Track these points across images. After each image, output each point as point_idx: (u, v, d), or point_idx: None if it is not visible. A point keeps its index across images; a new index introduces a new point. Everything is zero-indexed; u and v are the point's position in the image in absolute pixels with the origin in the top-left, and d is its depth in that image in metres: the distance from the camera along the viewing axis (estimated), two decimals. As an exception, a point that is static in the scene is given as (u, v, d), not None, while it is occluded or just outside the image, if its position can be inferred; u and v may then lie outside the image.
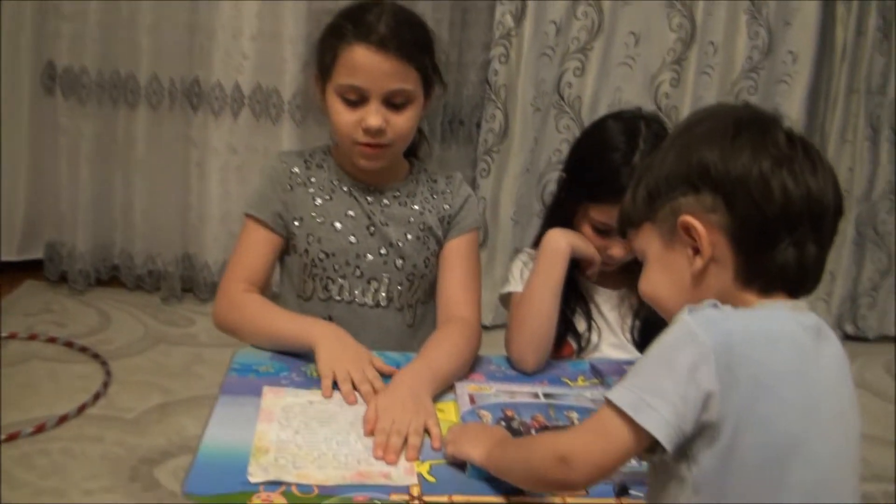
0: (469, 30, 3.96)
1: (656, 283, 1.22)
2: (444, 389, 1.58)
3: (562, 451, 1.08)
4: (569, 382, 1.68)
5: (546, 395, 1.58)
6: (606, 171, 1.70)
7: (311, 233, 1.80)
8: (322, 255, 1.80)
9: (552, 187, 3.98)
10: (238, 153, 3.93)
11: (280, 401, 1.48)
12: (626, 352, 1.84)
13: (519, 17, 3.87)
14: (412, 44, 1.72)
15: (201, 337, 3.66)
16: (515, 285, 1.84)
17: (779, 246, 1.11)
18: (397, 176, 1.89)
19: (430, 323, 1.89)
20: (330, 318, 1.80)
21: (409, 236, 1.83)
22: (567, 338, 1.83)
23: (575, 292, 1.84)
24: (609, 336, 1.86)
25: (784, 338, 1.08)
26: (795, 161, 1.11)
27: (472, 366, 1.70)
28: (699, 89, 4.10)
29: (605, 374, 1.68)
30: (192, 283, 4.07)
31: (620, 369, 1.69)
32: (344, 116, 1.73)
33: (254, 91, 3.87)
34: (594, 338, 1.84)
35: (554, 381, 1.68)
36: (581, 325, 1.85)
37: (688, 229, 1.13)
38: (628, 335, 1.86)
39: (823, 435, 1.07)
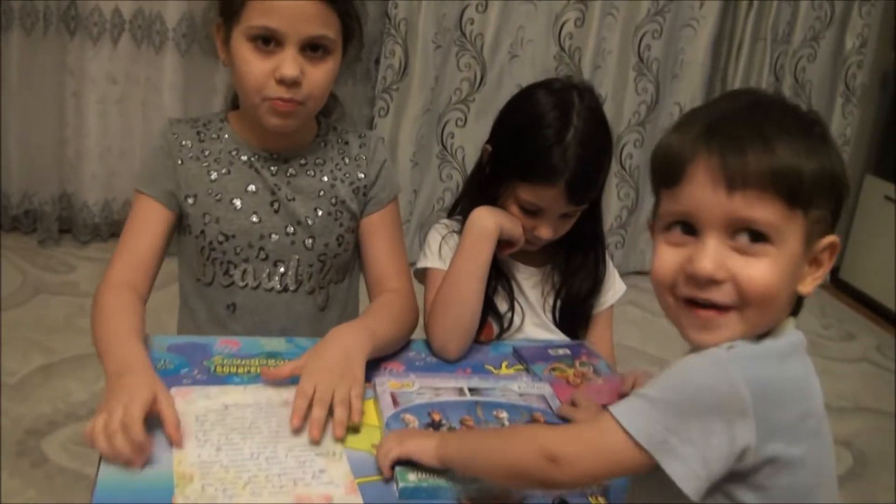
0: (369, -39, 3.79)
1: (784, 283, 1.01)
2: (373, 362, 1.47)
3: (552, 450, 1.03)
4: (492, 370, 1.60)
5: (472, 391, 1.47)
6: (538, 151, 1.60)
7: (208, 212, 1.61)
8: (221, 238, 1.62)
9: (452, 128, 3.90)
10: (118, 83, 3.71)
11: (192, 407, 1.32)
12: (548, 331, 1.76)
13: (419, -51, 3.72)
14: None
15: (83, 286, 3.47)
16: (434, 260, 1.73)
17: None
18: (304, 138, 1.69)
19: (342, 304, 1.76)
20: (233, 306, 1.66)
21: (320, 212, 1.66)
22: (488, 319, 1.73)
23: (496, 271, 1.73)
24: (530, 315, 1.77)
25: (802, 381, 1.03)
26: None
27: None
28: (603, 30, 4.05)
29: (528, 361, 1.61)
30: (70, 224, 3.87)
31: (545, 355, 1.64)
32: (254, 66, 1.51)
33: (135, 16, 3.65)
34: (516, 319, 1.75)
35: (478, 369, 1.59)
36: (503, 306, 1.75)
37: (823, 250, 1.03)
38: (549, 315, 1.78)
39: (830, 459, 1.07)
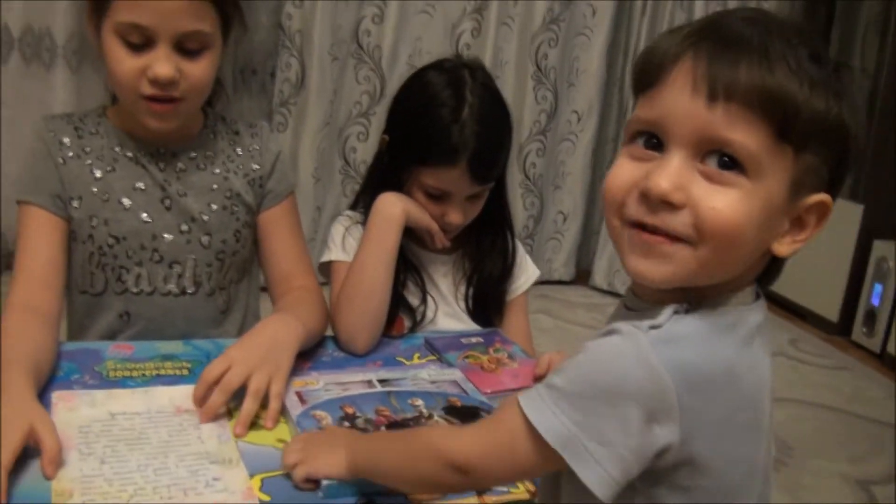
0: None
1: (754, 224, 0.86)
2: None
3: (458, 461, 0.94)
4: (404, 361, 1.56)
5: (382, 382, 1.42)
6: (436, 131, 1.56)
7: (95, 214, 1.51)
8: (111, 241, 1.52)
9: (354, 142, 3.86)
10: (8, 105, 3.56)
11: (75, 416, 1.23)
12: (461, 322, 1.73)
13: (313, -42, 3.67)
14: None
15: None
16: (337, 253, 1.68)
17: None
18: (191, 131, 1.59)
19: (244, 306, 1.69)
20: (127, 315, 1.56)
21: (214, 206, 1.57)
22: (399, 313, 1.69)
23: (405, 262, 1.69)
24: (442, 305, 1.74)
25: (738, 366, 0.89)
26: None
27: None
28: (500, 40, 4.05)
29: (441, 350, 1.57)
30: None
31: (457, 343, 1.60)
32: (124, 64, 1.40)
33: (24, 33, 3.52)
34: (429, 313, 1.71)
35: (388, 362, 1.54)
36: (414, 299, 1.71)
37: (811, 209, 0.89)
38: (462, 303, 1.74)
39: (766, 454, 0.96)
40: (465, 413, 1.34)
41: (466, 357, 1.55)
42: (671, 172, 0.85)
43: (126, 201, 1.52)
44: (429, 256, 1.74)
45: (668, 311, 0.87)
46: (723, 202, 0.83)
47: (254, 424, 1.25)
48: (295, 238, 1.69)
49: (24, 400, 1.17)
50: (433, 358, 1.57)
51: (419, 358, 1.57)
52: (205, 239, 1.57)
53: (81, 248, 1.53)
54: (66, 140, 1.53)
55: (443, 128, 1.55)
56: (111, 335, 1.57)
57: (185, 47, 1.43)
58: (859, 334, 3.98)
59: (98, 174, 1.52)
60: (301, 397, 1.33)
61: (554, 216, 4.41)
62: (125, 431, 1.21)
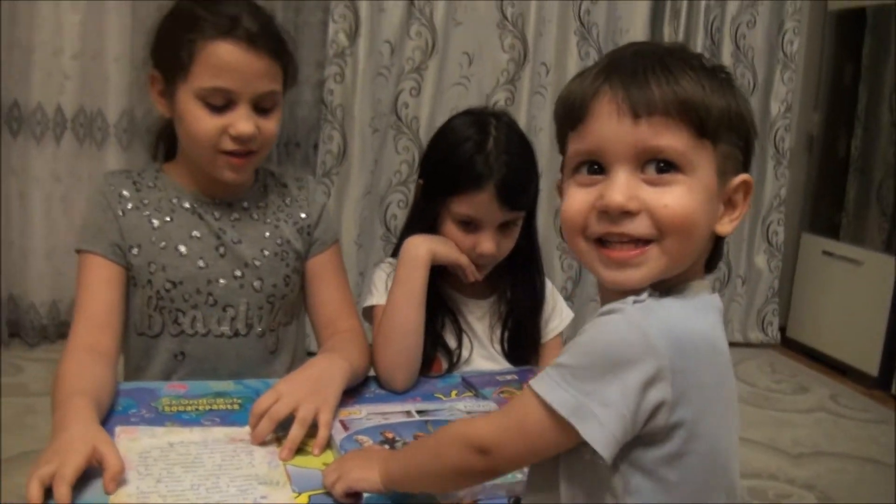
0: (302, 48, 3.87)
1: (701, 212, 0.99)
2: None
3: (478, 443, 1.01)
4: (441, 397, 1.61)
5: (420, 412, 1.48)
6: (462, 161, 1.64)
7: (153, 260, 1.60)
8: (168, 285, 1.60)
9: (395, 210, 3.94)
10: (62, 181, 3.72)
11: (136, 444, 1.28)
12: (497, 363, 1.78)
13: (352, 36, 3.81)
14: (279, 40, 1.57)
15: (32, 386, 3.40)
16: (379, 297, 1.74)
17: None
18: (244, 185, 1.69)
19: (292, 347, 1.76)
20: (182, 354, 1.64)
21: (266, 252, 1.67)
22: (437, 354, 1.74)
23: (442, 305, 1.76)
24: (479, 348, 1.78)
25: (718, 341, 1.01)
26: None
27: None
28: (533, 109, 4.14)
29: (477, 387, 1.62)
30: (17, 328, 3.80)
31: (493, 381, 1.65)
32: (205, 123, 1.51)
33: (77, 114, 3.68)
34: (465, 353, 1.76)
35: (427, 398, 1.60)
36: (451, 341, 1.76)
37: (737, 189, 1.03)
38: (498, 346, 1.79)
39: (736, 434, 1.05)
40: None
41: (501, 392, 1.59)
42: (621, 186, 0.97)
43: (183, 248, 1.61)
44: (465, 300, 1.79)
45: (645, 293, 0.98)
46: (671, 198, 0.96)
47: (302, 451, 1.31)
48: (340, 284, 1.76)
49: (87, 424, 1.24)
50: (469, 394, 1.62)
51: (456, 394, 1.62)
52: (257, 283, 1.65)
53: (140, 292, 1.61)
54: (126, 193, 1.63)
55: (469, 157, 1.63)
56: (166, 374, 1.64)
57: (260, 106, 1.55)
58: (899, 386, 3.96)
59: (156, 223, 1.61)
60: (344, 425, 1.39)
61: (592, 278, 4.44)
62: (181, 456, 1.27)
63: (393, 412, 1.47)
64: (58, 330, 3.81)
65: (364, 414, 1.45)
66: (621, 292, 0.99)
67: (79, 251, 1.60)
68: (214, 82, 1.50)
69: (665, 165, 0.97)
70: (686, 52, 1.03)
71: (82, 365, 1.45)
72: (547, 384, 0.96)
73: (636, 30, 4.26)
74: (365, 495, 1.17)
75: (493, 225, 1.66)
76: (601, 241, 1.00)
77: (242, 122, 1.51)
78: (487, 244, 1.66)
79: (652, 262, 0.98)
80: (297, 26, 3.87)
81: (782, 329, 4.74)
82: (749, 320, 4.69)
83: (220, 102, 1.51)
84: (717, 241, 1.06)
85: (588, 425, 0.92)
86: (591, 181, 1.00)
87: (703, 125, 0.97)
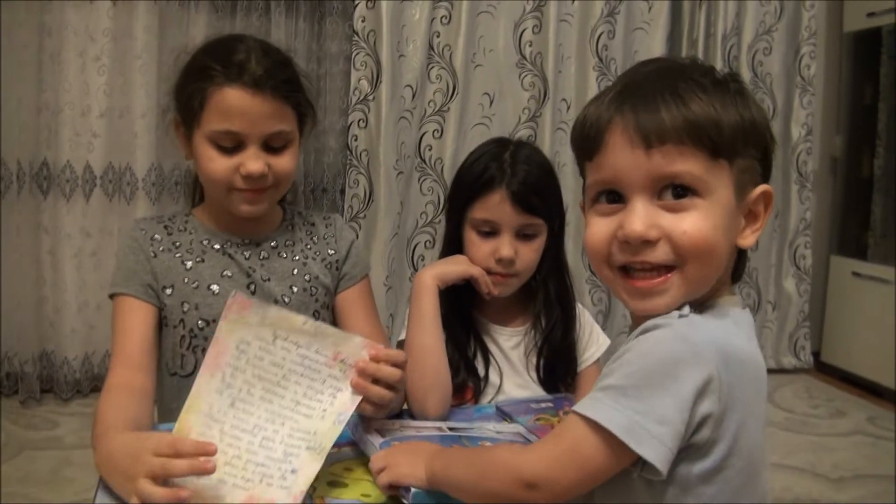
0: (326, 96, 3.94)
1: (720, 233, 1.00)
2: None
3: (527, 477, 1.00)
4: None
5: (451, 429, 1.49)
6: (478, 169, 1.70)
7: (186, 300, 1.63)
8: (201, 324, 1.63)
9: (422, 250, 3.97)
10: (92, 237, 3.76)
11: (240, 326, 1.25)
12: (532, 391, 1.78)
13: (374, 82, 3.86)
14: (287, 81, 1.61)
15: (67, 439, 3.42)
16: None
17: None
18: (272, 224, 1.75)
19: None
20: None
21: (295, 289, 1.70)
22: (469, 382, 1.76)
23: (473, 333, 1.78)
24: (513, 377, 1.79)
25: (756, 356, 1.02)
26: None
27: None
28: (556, 145, 4.16)
29: (512, 415, 1.62)
30: (51, 383, 3.83)
31: (528, 409, 1.65)
32: (218, 163, 1.57)
33: (105, 170, 3.73)
34: (494, 378, 1.77)
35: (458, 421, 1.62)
36: (481, 368, 1.78)
37: (757, 200, 1.04)
38: (534, 374, 1.80)
39: (767, 452, 1.06)
40: None
41: (538, 419, 1.60)
42: (640, 216, 0.99)
43: (215, 287, 1.64)
44: (500, 329, 1.81)
45: (686, 308, 1.00)
46: (689, 224, 0.98)
47: (339, 484, 1.31)
48: (370, 317, 1.78)
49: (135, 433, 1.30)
50: (506, 421, 1.61)
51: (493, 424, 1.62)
52: None
53: (173, 332, 1.64)
54: (158, 236, 1.67)
55: (485, 166, 1.69)
56: None
57: (271, 145, 1.59)
58: (938, 405, 3.92)
59: (189, 265, 1.65)
60: (380, 431, 1.41)
61: (623, 310, 4.45)
62: (273, 368, 1.25)
63: (425, 426, 1.49)
64: (91, 384, 3.85)
65: (397, 426, 1.47)
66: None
67: (112, 295, 1.63)
68: (223, 125, 1.55)
69: (682, 190, 0.99)
70: (698, 69, 1.04)
71: (119, 403, 1.47)
72: (598, 407, 0.95)
73: (655, 63, 4.28)
74: (413, 489, 1.19)
75: (510, 229, 1.69)
76: (625, 269, 1.03)
77: (251, 161, 1.56)
78: (506, 248, 1.68)
79: (674, 290, 1.00)
80: (319, 76, 3.93)
81: (816, 353, 4.71)
82: (781, 346, 4.66)
83: (230, 144, 1.56)
84: (741, 253, 1.08)
85: (647, 445, 0.92)
86: (611, 210, 1.03)
87: (716, 146, 0.98)
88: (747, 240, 1.04)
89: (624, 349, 0.97)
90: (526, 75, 4.13)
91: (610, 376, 0.96)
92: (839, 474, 3.29)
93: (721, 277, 1.05)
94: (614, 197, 1.02)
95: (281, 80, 1.59)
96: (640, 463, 0.95)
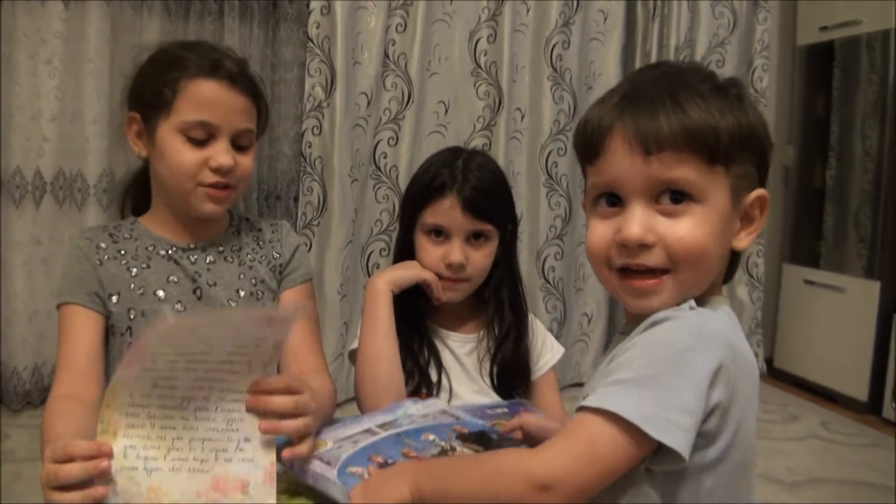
0: (279, 103, 3.92)
1: (715, 238, 1.04)
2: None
3: (540, 480, 0.97)
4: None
5: (381, 426, 1.42)
6: (430, 176, 1.72)
7: (133, 307, 1.62)
8: None
9: (377, 258, 3.96)
10: (42, 244, 3.69)
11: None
12: (489, 397, 1.79)
13: (329, 89, 3.84)
14: (257, 83, 1.65)
15: (18, 452, 3.34)
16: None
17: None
18: (218, 229, 1.75)
19: None
20: None
21: (242, 293, 1.69)
22: (422, 389, 1.76)
23: (426, 341, 1.79)
24: (469, 383, 1.80)
25: (750, 352, 1.05)
26: None
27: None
28: (511, 153, 4.18)
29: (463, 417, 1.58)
30: (0, 394, 3.74)
31: (483, 414, 1.61)
32: (187, 156, 1.58)
33: (56, 176, 3.66)
34: (446, 383, 1.77)
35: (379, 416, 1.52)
36: (434, 374, 1.79)
37: (753, 204, 1.07)
38: (488, 380, 1.81)
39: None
40: (479, 439, 1.38)
41: (493, 425, 1.56)
42: (638, 220, 1.02)
43: (161, 293, 1.63)
44: (454, 336, 1.82)
45: (692, 301, 1.04)
46: (684, 230, 1.01)
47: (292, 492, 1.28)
48: (307, 322, 1.74)
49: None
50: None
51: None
52: None
53: (120, 340, 1.62)
54: (103, 244, 1.65)
55: (436, 172, 1.71)
56: None
57: (238, 143, 1.61)
58: (890, 411, 3.95)
59: (134, 271, 1.64)
60: (325, 460, 1.29)
61: (579, 318, 4.47)
62: (197, 343, 1.17)
63: (356, 433, 1.40)
64: (41, 395, 3.76)
65: (331, 444, 1.35)
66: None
67: (59, 305, 1.61)
68: (198, 116, 1.57)
69: (679, 195, 1.02)
70: (699, 74, 1.08)
71: (64, 413, 1.45)
72: (615, 400, 0.94)
73: (609, 73, 4.32)
74: None
75: (460, 234, 1.71)
76: (624, 270, 1.05)
77: (222, 154, 1.58)
78: (455, 253, 1.70)
79: (668, 291, 1.03)
80: (273, 82, 3.90)
81: (769, 360, 4.76)
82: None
83: (202, 136, 1.58)
84: (735, 254, 1.11)
85: (670, 434, 0.92)
86: (611, 213, 1.06)
87: (713, 153, 1.01)
88: (742, 242, 1.07)
89: (629, 344, 0.99)
90: (481, 84, 4.14)
91: (620, 371, 0.97)
92: (793, 478, 3.31)
93: (714, 279, 1.08)
94: (614, 199, 1.05)
95: (252, 79, 1.63)
96: (650, 455, 0.96)
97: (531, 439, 1.42)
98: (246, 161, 1.63)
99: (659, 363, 0.95)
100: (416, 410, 1.51)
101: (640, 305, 1.05)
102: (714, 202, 1.01)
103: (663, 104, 1.01)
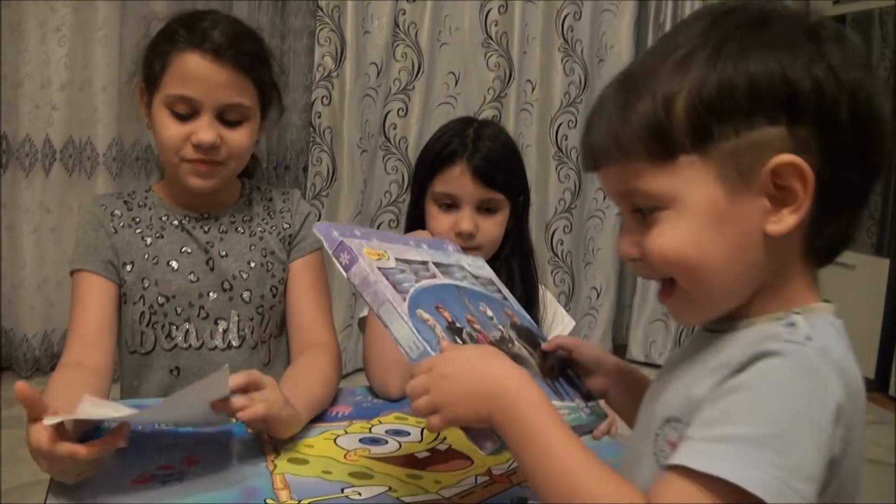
0: (289, 73, 3.90)
1: (703, 242, 0.84)
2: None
3: None
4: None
5: (438, 266, 1.23)
6: (440, 145, 1.72)
7: (146, 276, 1.62)
8: (161, 300, 1.62)
9: (386, 230, 3.95)
10: (52, 212, 3.71)
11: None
12: None
13: (339, 59, 3.83)
14: (250, 55, 1.60)
15: (27, 418, 3.36)
16: None
17: (854, 203, 0.88)
18: (230, 198, 1.74)
19: (284, 359, 1.76)
20: (177, 370, 1.65)
21: (252, 264, 1.68)
22: None
23: None
24: None
25: (860, 376, 0.85)
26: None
27: (336, 398, 1.58)
28: (521, 125, 4.17)
29: None
30: (10, 360, 3.78)
31: None
32: (171, 130, 1.56)
33: (66, 144, 3.67)
34: None
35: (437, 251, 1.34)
36: None
37: (783, 175, 0.81)
38: None
39: None
40: (529, 338, 1.24)
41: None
42: (628, 234, 0.90)
43: (174, 264, 1.63)
44: None
45: (792, 315, 0.85)
46: (658, 239, 0.85)
47: (299, 461, 1.30)
48: (315, 293, 1.74)
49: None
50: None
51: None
52: (245, 295, 1.66)
53: (132, 309, 1.63)
54: (118, 212, 1.66)
55: (447, 141, 1.71)
56: (163, 391, 1.64)
57: (226, 118, 1.58)
58: (896, 388, 3.92)
59: (148, 241, 1.64)
60: (387, 277, 1.07)
61: (588, 292, 4.47)
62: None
63: (415, 261, 1.19)
64: (51, 361, 3.79)
65: (393, 262, 1.12)
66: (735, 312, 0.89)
67: (72, 272, 1.62)
68: (178, 90, 1.55)
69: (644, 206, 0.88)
70: (654, 53, 0.90)
71: (69, 381, 1.44)
72: (730, 465, 0.76)
73: (621, 45, 4.30)
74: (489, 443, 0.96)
75: (470, 203, 1.70)
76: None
77: (204, 130, 1.55)
78: (465, 222, 1.69)
79: (686, 305, 0.89)
80: (282, 53, 3.89)
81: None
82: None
83: (185, 111, 1.56)
84: (819, 235, 0.87)
85: None
86: (629, 221, 0.92)
87: (664, 148, 0.84)
88: (780, 225, 0.83)
89: (734, 383, 0.80)
90: (491, 55, 4.12)
91: (730, 423, 0.78)
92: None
93: (786, 275, 0.88)
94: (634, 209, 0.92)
95: (243, 51, 1.58)
96: None
97: (578, 366, 1.22)
98: (236, 137, 1.59)
99: (783, 420, 0.77)
100: (466, 265, 1.34)
101: (685, 321, 0.90)
102: (686, 200, 0.84)
103: (599, 112, 0.88)
